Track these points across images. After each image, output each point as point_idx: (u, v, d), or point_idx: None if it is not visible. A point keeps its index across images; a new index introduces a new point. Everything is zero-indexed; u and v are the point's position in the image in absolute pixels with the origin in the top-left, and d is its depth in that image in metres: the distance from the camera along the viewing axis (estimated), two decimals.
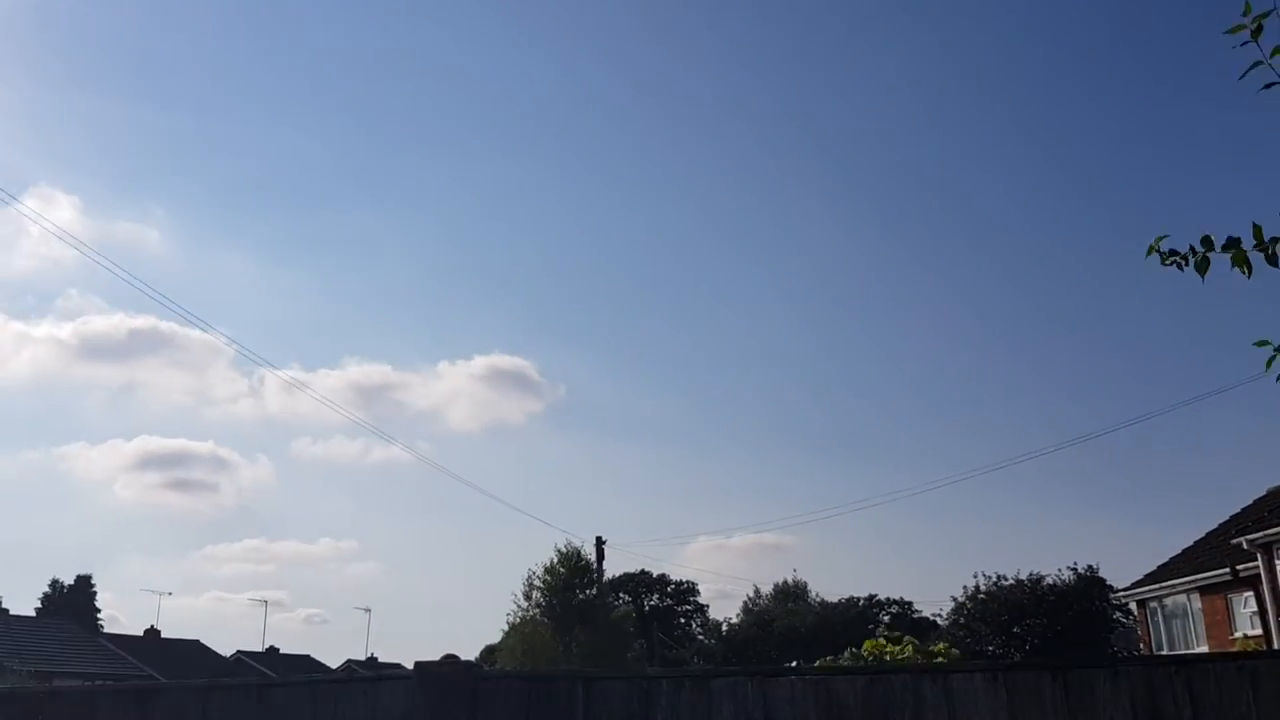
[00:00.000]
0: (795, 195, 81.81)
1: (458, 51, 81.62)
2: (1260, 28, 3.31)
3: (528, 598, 39.11)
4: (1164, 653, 26.45)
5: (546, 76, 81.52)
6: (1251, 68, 3.35)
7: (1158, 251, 3.60)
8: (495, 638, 44.11)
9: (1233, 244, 3.45)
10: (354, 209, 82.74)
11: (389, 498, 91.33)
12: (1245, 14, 3.33)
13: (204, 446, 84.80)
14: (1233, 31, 3.34)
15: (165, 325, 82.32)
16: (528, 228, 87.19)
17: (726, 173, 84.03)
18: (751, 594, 64.41)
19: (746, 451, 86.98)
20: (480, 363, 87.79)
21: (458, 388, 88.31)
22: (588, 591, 38.69)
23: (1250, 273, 3.41)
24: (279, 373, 63.46)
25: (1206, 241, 3.50)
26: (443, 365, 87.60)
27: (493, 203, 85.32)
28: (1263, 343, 3.43)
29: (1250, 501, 26.80)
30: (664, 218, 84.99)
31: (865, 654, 15.66)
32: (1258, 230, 3.40)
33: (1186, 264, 3.55)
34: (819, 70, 78.44)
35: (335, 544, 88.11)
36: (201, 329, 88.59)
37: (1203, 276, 3.51)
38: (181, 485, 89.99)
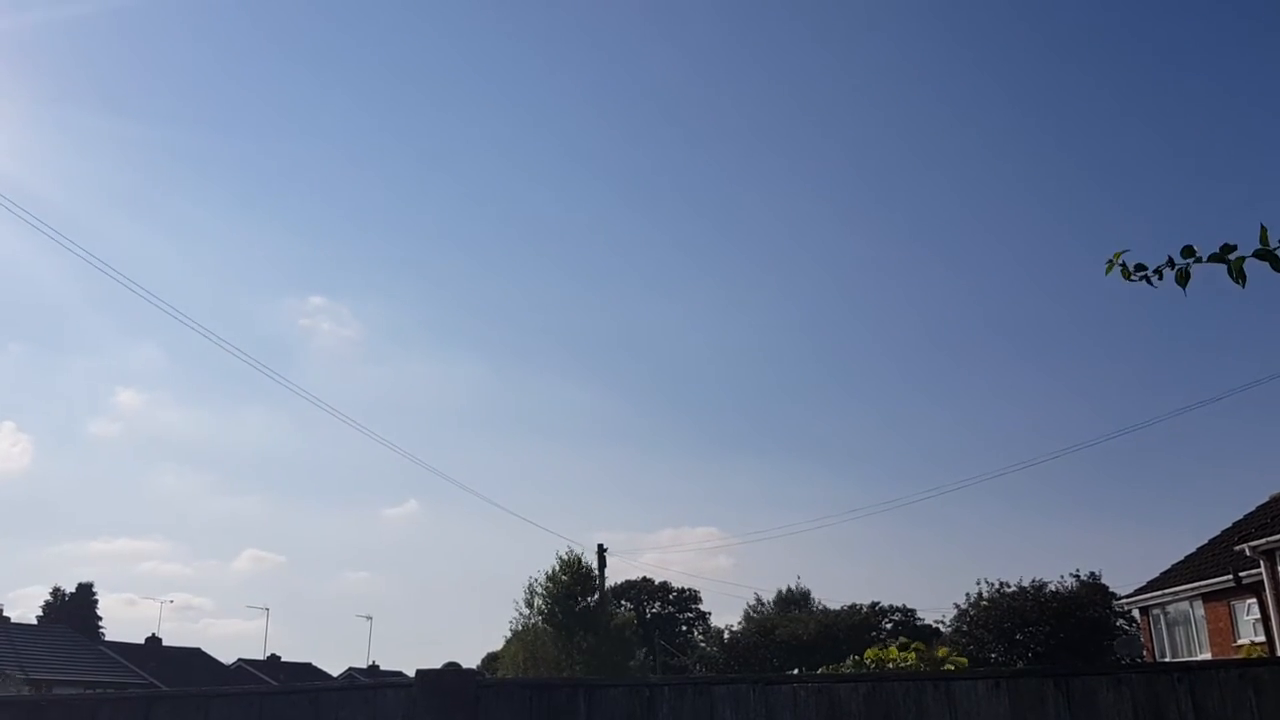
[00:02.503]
0: (792, 186, 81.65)
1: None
2: (1125, 266, 3.48)
3: (529, 605, 39.06)
4: (1167, 660, 26.39)
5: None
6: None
7: (1120, 265, 3.47)
8: (495, 644, 44.00)
9: (1226, 251, 3.28)
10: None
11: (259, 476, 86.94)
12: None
13: None
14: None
15: None
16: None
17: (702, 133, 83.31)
18: (753, 600, 64.46)
19: (745, 455, 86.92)
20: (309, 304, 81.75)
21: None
22: (589, 599, 38.62)
23: (1244, 283, 3.26)
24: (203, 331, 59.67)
25: (1188, 251, 3.35)
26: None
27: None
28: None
29: (1253, 508, 26.78)
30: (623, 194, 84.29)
31: (868, 661, 15.63)
32: (1264, 233, 3.23)
33: (1160, 278, 3.42)
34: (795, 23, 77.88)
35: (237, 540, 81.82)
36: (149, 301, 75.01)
37: (1184, 288, 3.38)
38: None
